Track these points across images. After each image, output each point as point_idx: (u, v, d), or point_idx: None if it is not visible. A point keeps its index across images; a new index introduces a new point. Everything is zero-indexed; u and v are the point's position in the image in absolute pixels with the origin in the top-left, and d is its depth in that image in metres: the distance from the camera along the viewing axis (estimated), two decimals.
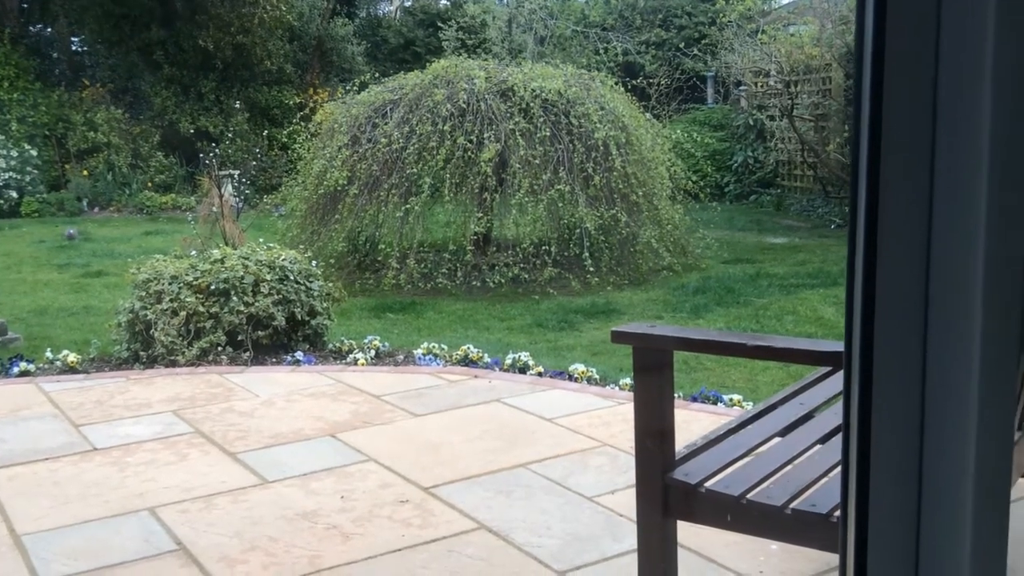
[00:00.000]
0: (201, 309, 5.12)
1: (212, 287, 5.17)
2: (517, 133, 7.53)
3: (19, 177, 13.18)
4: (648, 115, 9.18)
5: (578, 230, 7.73)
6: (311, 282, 5.51)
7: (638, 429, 2.24)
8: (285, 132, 14.38)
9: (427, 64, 8.75)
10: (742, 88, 13.48)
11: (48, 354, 5.32)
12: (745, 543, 2.81)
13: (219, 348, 5.14)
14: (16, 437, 4.04)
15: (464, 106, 7.69)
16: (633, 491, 2.32)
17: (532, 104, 7.69)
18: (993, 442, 0.85)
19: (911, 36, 0.79)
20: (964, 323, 0.82)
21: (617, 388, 4.61)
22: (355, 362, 5.19)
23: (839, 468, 2.19)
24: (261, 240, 6.19)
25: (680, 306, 6.88)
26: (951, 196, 0.80)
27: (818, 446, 2.38)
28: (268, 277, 5.28)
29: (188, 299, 5.11)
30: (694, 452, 2.29)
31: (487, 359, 5.15)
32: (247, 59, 15.11)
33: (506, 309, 6.94)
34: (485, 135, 7.54)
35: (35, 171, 13.45)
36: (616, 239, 7.93)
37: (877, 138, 0.81)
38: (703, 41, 14.64)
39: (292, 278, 5.39)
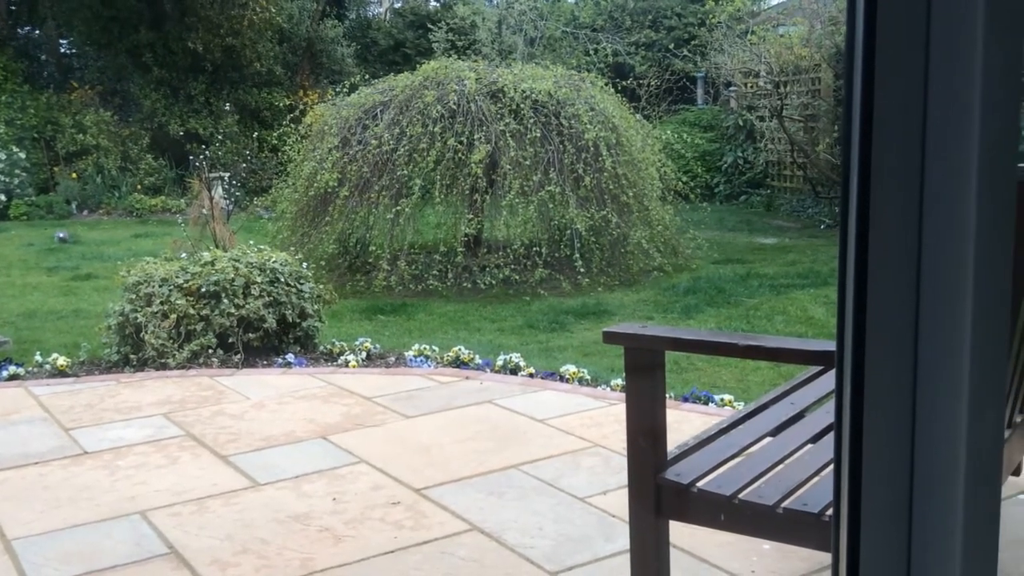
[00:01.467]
0: (191, 311, 5.11)
1: (202, 289, 5.16)
2: (507, 134, 7.53)
3: (7, 180, 13.12)
4: (638, 116, 9.20)
5: (569, 231, 7.74)
6: (302, 284, 5.50)
7: (630, 429, 2.24)
8: (275, 134, 14.36)
9: (417, 65, 8.74)
10: (732, 89, 13.51)
11: (37, 357, 5.30)
12: (737, 543, 2.82)
13: (210, 351, 5.13)
14: (5, 441, 4.03)
15: (454, 107, 7.69)
16: (625, 492, 2.32)
17: (522, 105, 7.70)
18: (983, 440, 0.85)
19: (901, 36, 0.79)
20: (954, 321, 0.82)
21: (608, 389, 4.61)
22: (346, 364, 5.19)
23: (831, 467, 2.20)
24: (251, 242, 6.18)
25: (671, 307, 6.89)
26: (941, 195, 0.80)
27: (809, 445, 2.38)
28: (259, 279, 5.27)
29: (178, 302, 5.10)
30: (686, 452, 2.29)
31: (478, 360, 5.15)
32: (237, 61, 15.08)
33: (497, 310, 6.94)
34: (475, 136, 7.54)
35: (23, 174, 13.39)
36: (607, 240, 7.94)
37: (868, 137, 0.81)
38: (693, 42, 14.68)
39: (283, 280, 5.38)
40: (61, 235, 10.86)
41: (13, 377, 5.05)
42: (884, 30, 0.80)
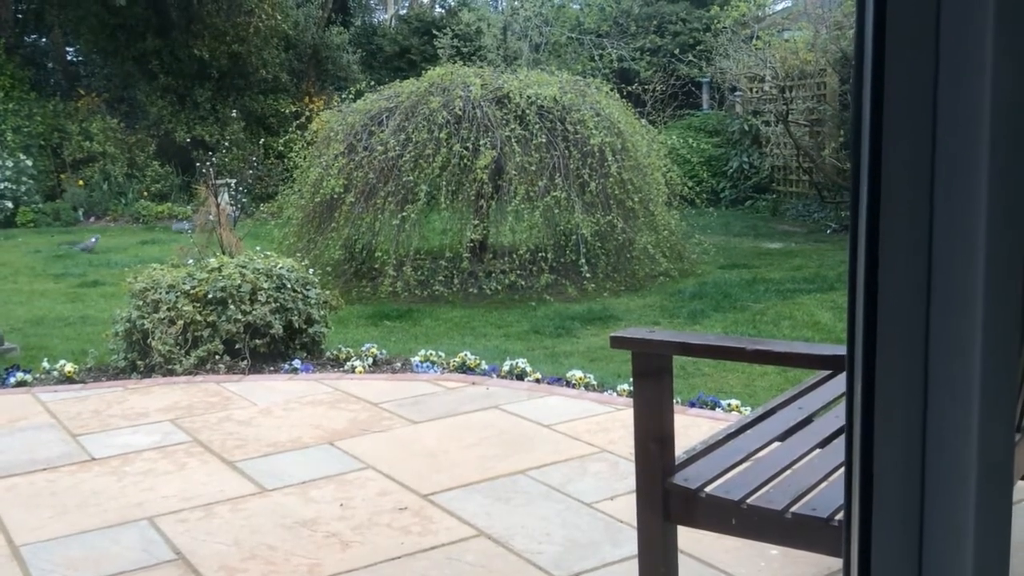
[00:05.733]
0: (198, 318, 5.12)
1: (209, 296, 5.16)
2: (513, 140, 7.54)
3: (14, 187, 13.17)
4: (643, 121, 9.20)
5: (574, 236, 7.73)
6: (308, 290, 5.51)
7: (638, 434, 2.24)
8: (281, 140, 14.38)
9: (423, 72, 8.75)
10: (737, 94, 13.51)
11: (45, 364, 5.31)
12: (746, 548, 2.81)
13: (216, 357, 5.14)
14: (13, 447, 4.03)
15: (460, 113, 7.70)
16: (633, 497, 2.32)
17: (528, 111, 7.70)
18: (995, 444, 0.85)
19: (911, 40, 0.79)
20: (965, 325, 0.82)
21: (615, 394, 4.61)
22: (353, 370, 5.19)
23: (839, 472, 2.19)
24: (258, 248, 6.19)
25: (677, 312, 6.88)
26: (952, 198, 0.80)
27: (817, 450, 2.38)
28: (265, 285, 5.27)
29: (185, 308, 5.10)
30: (694, 457, 2.29)
31: (484, 366, 5.14)
32: (243, 68, 15.12)
33: (503, 316, 6.94)
34: (481, 142, 7.54)
35: (31, 181, 13.43)
36: (612, 245, 7.94)
37: (878, 141, 0.81)
38: (698, 47, 14.69)
39: (289, 286, 5.39)
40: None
41: (21, 384, 5.06)
42: (893, 33, 0.80)
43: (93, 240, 10.68)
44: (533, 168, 7.50)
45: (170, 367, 5.06)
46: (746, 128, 13.18)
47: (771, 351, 2.31)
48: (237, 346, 5.21)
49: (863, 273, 0.84)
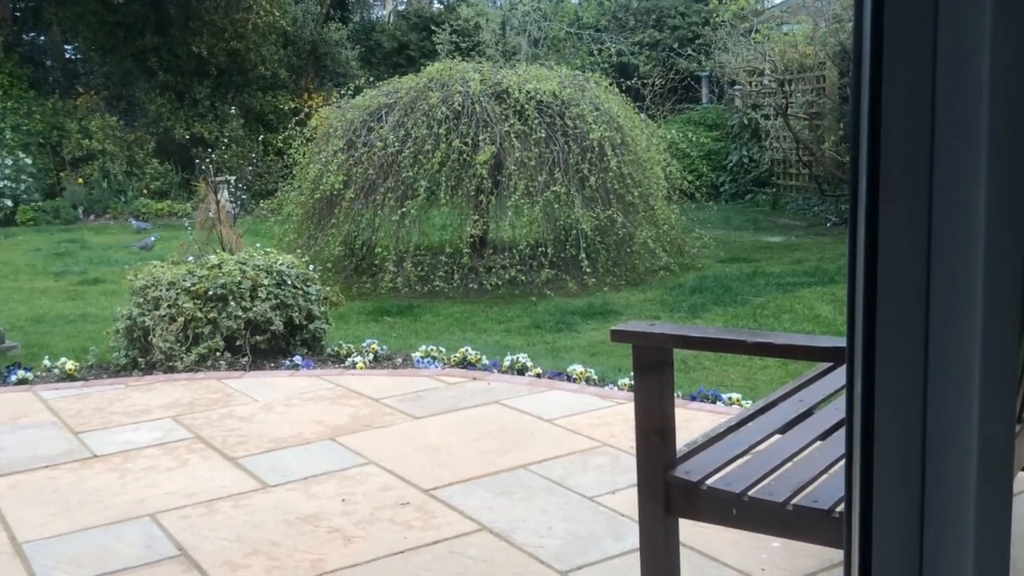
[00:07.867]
0: (199, 315, 5.12)
1: (210, 292, 5.17)
2: (512, 135, 7.53)
3: (14, 185, 13.16)
4: (643, 115, 9.19)
5: (574, 231, 7.73)
6: (308, 286, 5.51)
7: (639, 427, 2.24)
8: (280, 137, 14.35)
9: (421, 67, 8.75)
10: (736, 87, 13.50)
11: (46, 362, 5.31)
12: (747, 541, 2.82)
13: (217, 353, 5.14)
14: (15, 445, 4.04)
15: (459, 109, 7.69)
16: (634, 491, 2.32)
17: (527, 106, 7.70)
18: (995, 435, 0.85)
19: (909, 32, 0.79)
20: (965, 316, 0.82)
21: (616, 388, 4.61)
22: (353, 365, 5.19)
23: (840, 464, 2.20)
24: (258, 245, 6.19)
25: (678, 306, 6.88)
26: (951, 190, 0.80)
27: (818, 443, 2.38)
28: (265, 282, 5.28)
29: (186, 305, 5.11)
30: (695, 450, 2.29)
31: (485, 361, 5.15)
32: (241, 65, 15.09)
33: (503, 311, 6.94)
34: (480, 137, 7.54)
35: (30, 179, 13.42)
36: (612, 240, 7.94)
37: (877, 134, 0.81)
38: (697, 41, 14.67)
39: (289, 283, 5.39)
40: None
41: (22, 381, 5.06)
42: (891, 25, 0.80)
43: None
44: (533, 163, 7.49)
45: (171, 364, 5.06)
46: (745, 122, 13.16)
47: (772, 344, 2.31)
48: (238, 343, 5.21)
49: (862, 266, 0.84)
